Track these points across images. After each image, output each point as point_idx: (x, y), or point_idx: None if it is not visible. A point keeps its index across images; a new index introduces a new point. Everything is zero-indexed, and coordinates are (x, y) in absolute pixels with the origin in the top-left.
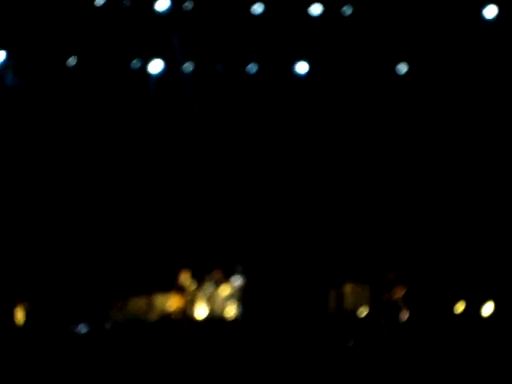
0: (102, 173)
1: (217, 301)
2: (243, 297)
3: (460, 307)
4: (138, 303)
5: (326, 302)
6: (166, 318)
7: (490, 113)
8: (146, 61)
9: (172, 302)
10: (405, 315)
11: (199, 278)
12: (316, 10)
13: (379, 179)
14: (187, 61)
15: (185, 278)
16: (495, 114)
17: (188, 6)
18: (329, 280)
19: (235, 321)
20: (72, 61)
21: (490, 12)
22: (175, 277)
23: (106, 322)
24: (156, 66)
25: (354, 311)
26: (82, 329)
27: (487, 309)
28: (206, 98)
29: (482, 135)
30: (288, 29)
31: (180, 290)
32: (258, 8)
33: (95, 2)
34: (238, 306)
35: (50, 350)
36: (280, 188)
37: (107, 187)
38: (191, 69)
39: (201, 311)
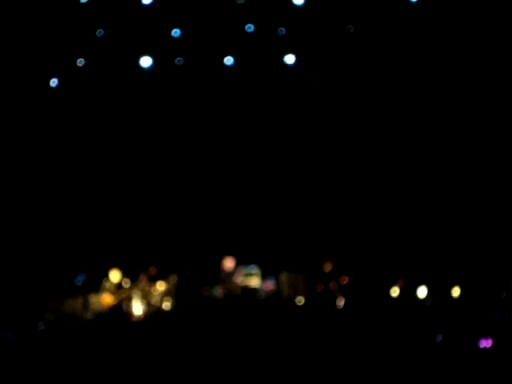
0: None
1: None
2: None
3: (395, 291)
4: (73, 303)
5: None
6: (102, 316)
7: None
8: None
9: (106, 301)
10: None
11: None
12: None
13: None
14: None
15: (117, 277)
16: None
17: None
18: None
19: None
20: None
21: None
22: (107, 276)
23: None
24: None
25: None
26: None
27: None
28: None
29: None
30: None
31: (113, 288)
32: None
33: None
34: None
35: None
36: None
37: None
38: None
39: (137, 308)
